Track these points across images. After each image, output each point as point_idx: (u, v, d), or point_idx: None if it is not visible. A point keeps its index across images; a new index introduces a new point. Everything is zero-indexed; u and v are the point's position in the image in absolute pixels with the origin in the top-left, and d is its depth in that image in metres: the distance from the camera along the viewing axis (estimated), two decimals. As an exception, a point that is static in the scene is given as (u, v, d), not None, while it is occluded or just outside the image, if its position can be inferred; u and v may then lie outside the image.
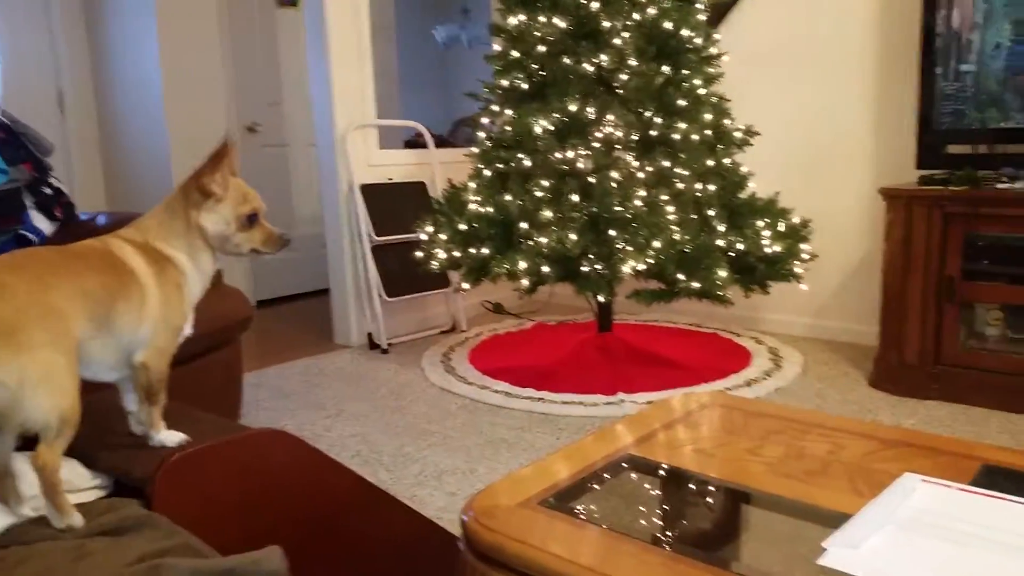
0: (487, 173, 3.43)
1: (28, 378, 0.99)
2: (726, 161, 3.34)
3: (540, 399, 3.17)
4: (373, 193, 4.11)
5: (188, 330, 1.30)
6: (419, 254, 3.55)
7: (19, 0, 4.59)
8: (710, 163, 3.26)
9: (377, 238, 4.03)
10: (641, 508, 1.21)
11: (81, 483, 1.13)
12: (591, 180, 3.17)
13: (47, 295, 1.04)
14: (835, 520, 1.04)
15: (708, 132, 3.29)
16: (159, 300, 1.22)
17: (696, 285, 3.03)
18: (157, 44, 4.55)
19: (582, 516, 1.12)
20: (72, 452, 1.15)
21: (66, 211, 2.78)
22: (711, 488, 1.23)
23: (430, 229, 3.49)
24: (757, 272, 3.20)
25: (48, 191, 2.73)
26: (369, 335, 4.13)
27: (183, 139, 4.71)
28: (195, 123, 4.77)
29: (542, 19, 3.30)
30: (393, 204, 4.17)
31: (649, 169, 3.18)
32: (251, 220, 1.31)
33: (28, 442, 1.04)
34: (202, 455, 1.16)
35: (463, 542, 1.09)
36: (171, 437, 1.24)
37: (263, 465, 1.21)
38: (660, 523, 1.16)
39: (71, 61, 4.82)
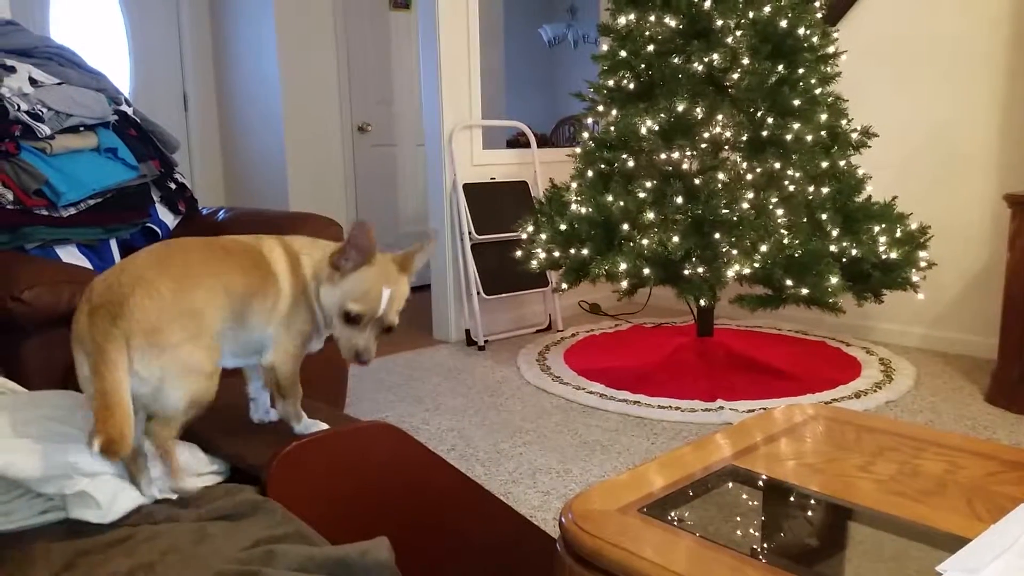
0: (589, 173, 3.42)
1: (168, 374, 1.08)
2: (841, 163, 3.22)
3: (636, 402, 3.14)
4: (475, 192, 4.17)
5: (316, 345, 1.34)
6: (519, 253, 3.58)
7: (149, 4, 4.87)
8: (824, 165, 3.15)
9: (477, 236, 4.08)
10: (742, 520, 1.18)
11: (200, 467, 1.19)
12: (696, 181, 3.12)
13: (189, 295, 1.12)
14: (951, 544, 0.99)
15: (823, 133, 3.18)
16: (290, 304, 1.27)
17: (805, 292, 2.93)
18: (276, 46, 4.75)
19: (681, 525, 1.11)
20: (192, 437, 1.22)
21: (189, 205, 2.93)
22: (816, 504, 1.20)
23: (531, 229, 3.50)
24: (871, 279, 3.07)
25: (173, 186, 2.89)
26: (467, 331, 4.19)
27: (298, 137, 4.90)
28: (310, 122, 4.95)
29: (652, 18, 3.26)
30: (494, 203, 4.21)
31: (758, 170, 3.10)
32: (351, 318, 1.22)
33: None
34: (316, 445, 1.21)
35: (561, 544, 1.10)
36: (312, 426, 1.31)
37: (371, 457, 1.25)
38: (761, 537, 1.13)
39: (195, 63, 5.09)
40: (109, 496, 1.02)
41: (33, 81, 2.52)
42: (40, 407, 1.16)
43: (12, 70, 2.49)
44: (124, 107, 2.79)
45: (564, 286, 3.46)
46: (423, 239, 1.29)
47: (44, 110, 2.47)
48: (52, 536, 1.00)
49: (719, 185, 3.05)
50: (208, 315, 1.15)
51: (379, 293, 1.21)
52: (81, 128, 2.58)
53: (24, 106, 2.43)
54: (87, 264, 2.50)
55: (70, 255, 2.49)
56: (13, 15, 2.84)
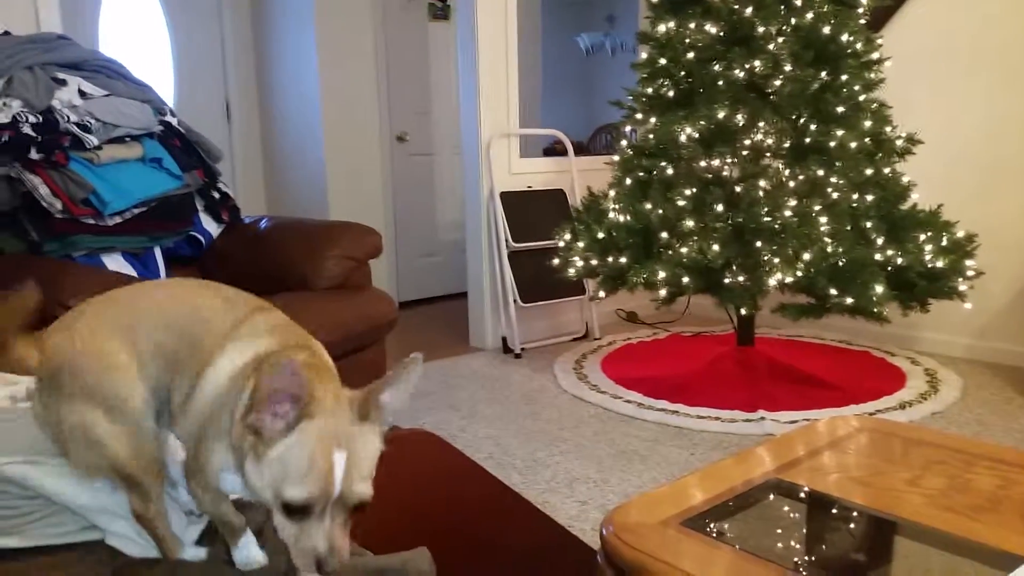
0: (628, 181, 3.40)
1: None
2: (886, 171, 3.16)
3: (674, 412, 3.11)
4: (512, 200, 4.17)
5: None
6: (556, 261, 3.57)
7: (193, 16, 4.97)
8: (868, 172, 3.09)
9: (514, 244, 4.08)
10: (785, 534, 1.16)
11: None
12: (737, 189, 3.08)
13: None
14: (1006, 562, 0.96)
15: (867, 140, 3.12)
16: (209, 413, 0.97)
17: (849, 301, 2.88)
18: (316, 57, 4.81)
19: (723, 538, 1.09)
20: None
21: (232, 214, 2.98)
22: (862, 518, 1.17)
23: (568, 237, 3.49)
24: (917, 288, 3.01)
25: (216, 195, 2.94)
26: (503, 339, 4.19)
27: (338, 147, 4.95)
28: (349, 131, 5.00)
29: (692, 25, 3.24)
30: (531, 211, 4.21)
31: (801, 178, 3.06)
32: (293, 509, 0.83)
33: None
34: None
35: (602, 556, 1.09)
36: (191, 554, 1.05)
37: (411, 464, 1.25)
38: (804, 551, 1.11)
39: (238, 74, 5.17)
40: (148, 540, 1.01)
41: (82, 93, 2.59)
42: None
43: (63, 83, 2.56)
44: (169, 118, 2.84)
45: (601, 294, 3.44)
46: (400, 366, 0.90)
47: (92, 121, 2.53)
48: (96, 550, 1.01)
49: (760, 193, 3.02)
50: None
51: (329, 463, 0.82)
52: (127, 139, 2.64)
53: (74, 118, 2.50)
54: (132, 272, 2.55)
55: (115, 263, 2.54)
56: (64, 29, 2.92)
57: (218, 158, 2.98)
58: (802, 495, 1.23)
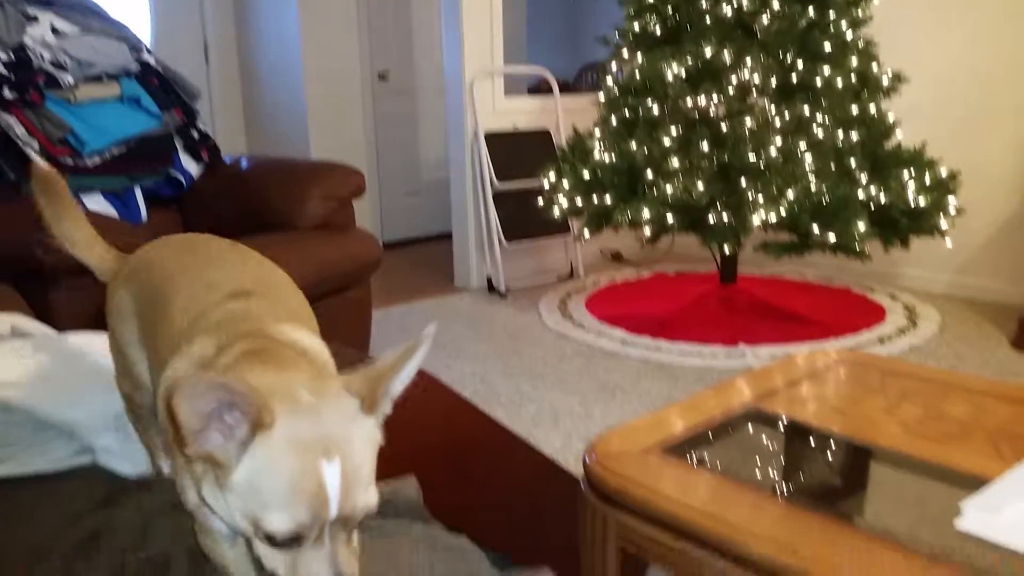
0: (613, 120, 3.38)
1: None
2: (871, 109, 3.15)
3: (657, 348, 3.15)
4: (497, 140, 4.13)
5: None
6: (540, 201, 3.56)
7: (169, -49, 4.82)
8: (854, 110, 3.08)
9: (499, 184, 4.06)
10: (763, 461, 1.19)
11: None
12: (723, 127, 3.07)
13: None
14: (974, 484, 1.00)
15: (853, 78, 3.11)
16: None
17: (832, 238, 2.90)
18: (295, -8, 4.69)
19: (703, 465, 1.12)
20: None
21: (212, 154, 2.94)
22: (839, 445, 1.20)
23: (553, 176, 3.48)
24: (899, 226, 3.03)
25: (196, 135, 2.90)
26: (488, 279, 4.20)
27: (318, 85, 4.87)
28: (330, 69, 4.91)
29: (678, -40, 3.18)
30: (516, 151, 4.18)
31: (787, 116, 3.05)
32: (279, 543, 0.66)
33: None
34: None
35: (585, 483, 1.12)
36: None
37: (399, 399, 1.27)
38: (782, 476, 1.15)
39: (215, 12, 5.04)
40: (137, 454, 1.04)
41: (55, 31, 2.52)
42: (75, 352, 1.18)
43: (35, 20, 2.49)
44: (146, 56, 2.78)
45: (586, 234, 3.44)
46: (412, 343, 0.73)
47: (67, 59, 2.47)
48: (89, 475, 1.03)
49: (746, 131, 3.01)
50: None
51: (317, 480, 0.64)
52: (104, 77, 2.58)
53: (47, 56, 2.44)
54: (113, 212, 2.52)
55: (96, 203, 2.51)
56: (32, -38, 2.82)
57: (196, 97, 2.92)
58: (780, 424, 1.26)
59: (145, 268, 1.00)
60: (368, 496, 0.68)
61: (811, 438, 1.23)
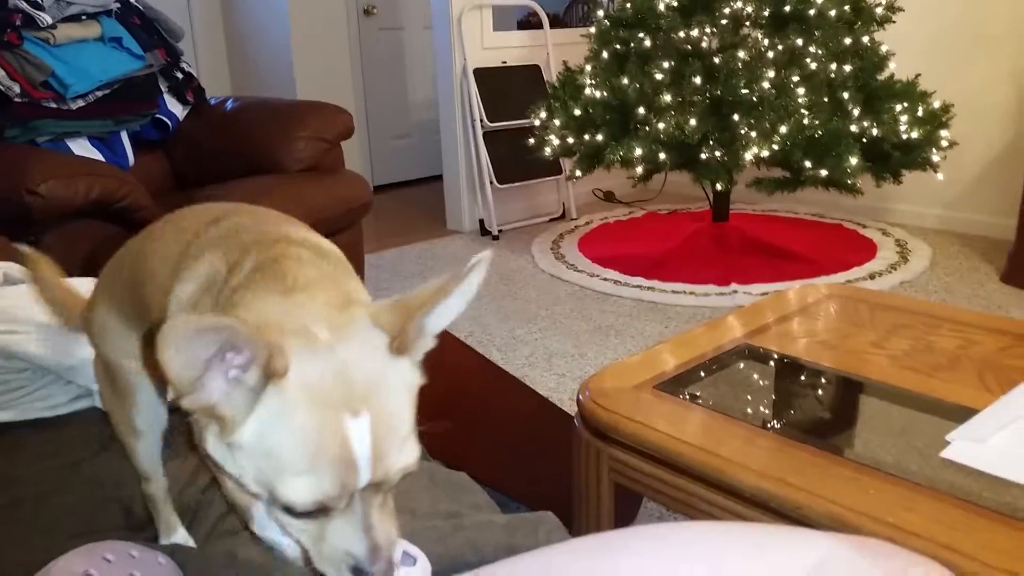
0: (604, 55, 3.32)
1: None
2: (864, 40, 3.10)
3: (650, 288, 3.16)
4: (486, 77, 4.06)
5: None
6: (531, 141, 3.52)
7: None
8: (847, 42, 3.04)
9: (489, 124, 4.01)
10: (755, 396, 1.21)
11: None
12: (716, 61, 3.02)
13: None
14: (961, 415, 1.02)
15: (846, 8, 3.05)
16: None
17: (824, 173, 2.89)
18: (275, -75, 4.55)
19: (694, 400, 1.14)
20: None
21: (197, 95, 2.89)
22: (829, 378, 1.22)
23: (543, 115, 3.44)
24: (891, 160, 3.02)
25: (180, 76, 2.84)
26: (480, 221, 4.18)
27: (303, 22, 4.75)
28: (314, 6, 4.79)
29: None
30: (506, 88, 4.11)
31: (780, 48, 3.00)
32: (300, 513, 0.56)
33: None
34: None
35: (579, 420, 1.13)
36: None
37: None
38: (773, 410, 1.17)
39: (194, -55, 4.89)
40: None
41: (29, -33, 2.45)
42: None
43: (6, -44, 2.41)
44: (124, -7, 2.71)
45: (578, 173, 3.42)
46: (459, 272, 0.58)
47: (43, -2, 2.40)
48: (87, 421, 1.04)
49: (739, 64, 2.96)
50: None
51: (342, 440, 0.54)
52: (83, 17, 2.52)
53: (22, -6, 2.37)
54: (99, 157, 2.49)
55: (81, 148, 2.48)
56: None
57: (179, 36, 2.86)
58: (771, 358, 1.28)
59: (115, 266, 0.86)
60: (406, 453, 0.57)
61: (801, 372, 1.24)
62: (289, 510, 0.55)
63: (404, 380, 0.59)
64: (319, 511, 0.55)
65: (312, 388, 0.54)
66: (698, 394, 1.15)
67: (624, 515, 1.27)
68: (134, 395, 0.82)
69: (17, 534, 0.83)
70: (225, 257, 0.66)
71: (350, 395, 0.54)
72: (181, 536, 0.86)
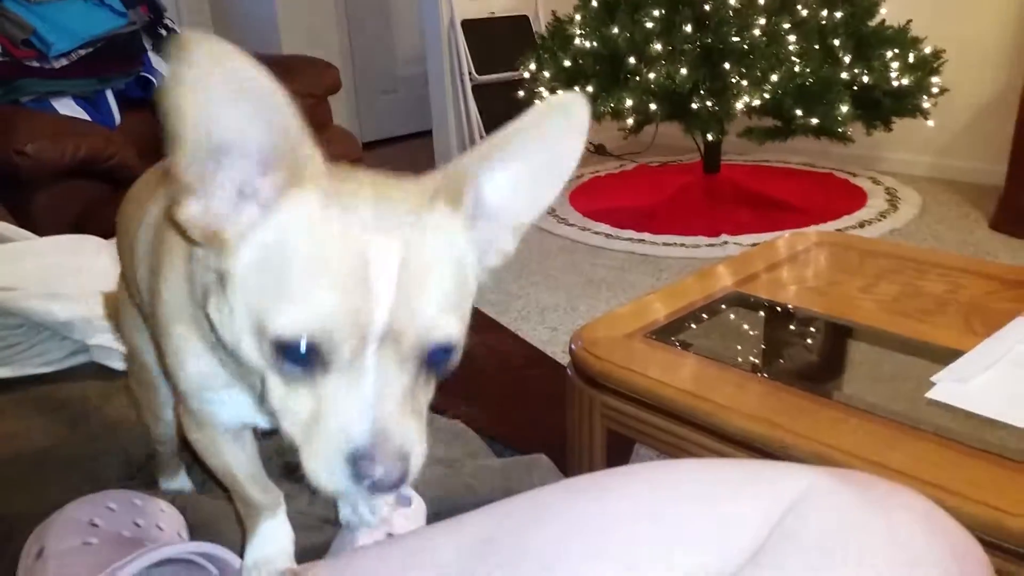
0: (594, 3, 3.28)
1: None
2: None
3: (641, 240, 3.16)
4: (474, 28, 4.01)
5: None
6: (521, 93, 3.49)
7: None
8: (838, -13, 3.01)
9: (478, 76, 3.97)
10: (745, 342, 1.23)
11: None
12: (706, 8, 2.99)
13: None
14: (947, 357, 1.04)
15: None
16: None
17: (815, 121, 2.88)
18: None
19: (686, 347, 1.15)
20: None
21: (181, 52, 2.85)
22: (818, 324, 1.24)
23: (533, 66, 3.40)
24: (882, 107, 3.01)
25: (164, 32, 2.80)
26: (473, 176, 4.16)
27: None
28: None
29: None
30: (495, 40, 4.06)
31: (770, -6, 2.97)
32: (303, 357, 0.43)
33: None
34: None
35: (572, 369, 1.15)
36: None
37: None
38: (764, 356, 1.18)
39: None
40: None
41: (3, -79, 2.39)
42: (61, 253, 1.18)
43: (-20, -91, 2.36)
44: (103, -52, 2.65)
45: (569, 126, 3.39)
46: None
47: (19, -47, 2.35)
48: (84, 376, 1.05)
49: (729, 11, 2.93)
50: None
51: (360, 257, 0.43)
52: (61, -28, 2.47)
53: (-2, -51, 2.32)
54: (85, 116, 2.46)
55: (67, 107, 2.44)
56: None
57: (161, -8, 2.81)
58: (760, 306, 1.29)
59: (118, 236, 0.75)
60: (444, 321, 0.46)
61: (790, 318, 1.26)
62: (281, 355, 0.43)
63: (455, 244, 0.49)
64: (317, 363, 0.43)
65: (338, 201, 0.44)
66: (689, 341, 1.17)
67: (616, 461, 1.30)
68: (157, 391, 0.76)
69: (19, 488, 0.85)
70: None
71: (383, 218, 0.44)
72: (181, 481, 0.87)
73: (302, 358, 0.43)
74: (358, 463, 0.42)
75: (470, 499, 0.76)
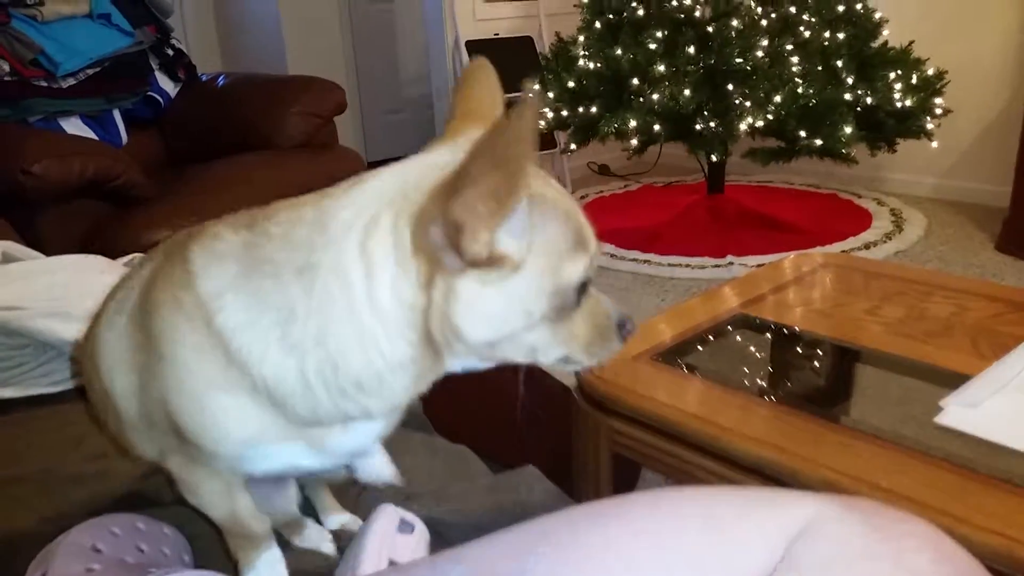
0: (597, 25, 3.30)
1: None
2: (858, 6, 3.09)
3: (646, 261, 3.16)
4: (479, 49, 4.03)
5: None
6: (526, 113, 3.50)
7: None
8: (840, 8, 3.02)
9: (484, 97, 3.98)
10: (751, 365, 1.22)
11: None
12: (709, 29, 3.01)
13: None
14: (955, 381, 1.03)
15: (839, -26, 3.04)
16: None
17: (818, 142, 2.89)
18: None
19: (691, 370, 1.15)
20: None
21: (188, 72, 2.87)
22: (824, 347, 1.23)
23: (537, 87, 3.41)
24: (885, 128, 3.01)
25: (171, 52, 2.82)
26: (477, 195, 4.16)
27: (292, -3, 4.71)
28: (303, -20, 4.74)
29: None
30: (499, 61, 3.99)
31: (773, 16, 2.98)
32: (578, 293, 0.57)
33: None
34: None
35: (577, 391, 1.14)
36: None
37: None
38: (770, 379, 1.18)
39: (180, -82, 4.82)
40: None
41: (14, -57, 2.42)
42: (67, 272, 1.18)
43: (-9, -68, 2.38)
44: (111, -31, 2.68)
45: (572, 147, 3.41)
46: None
47: (29, -26, 2.37)
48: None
49: (732, 32, 2.95)
50: None
51: (583, 215, 0.60)
52: (70, -7, 2.49)
53: (8, -30, 2.35)
54: (92, 135, 2.48)
55: (74, 127, 2.46)
56: None
57: (168, 12, 2.83)
58: (766, 328, 1.29)
59: None
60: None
61: (796, 341, 1.25)
62: (569, 296, 0.56)
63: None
64: (583, 289, 0.57)
65: (546, 181, 0.57)
66: (695, 364, 1.16)
67: (623, 485, 1.29)
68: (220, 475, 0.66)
69: (22, 510, 0.84)
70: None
71: (562, 192, 0.59)
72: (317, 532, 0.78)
73: (582, 289, 0.57)
74: (625, 324, 0.61)
75: (463, 522, 0.76)
